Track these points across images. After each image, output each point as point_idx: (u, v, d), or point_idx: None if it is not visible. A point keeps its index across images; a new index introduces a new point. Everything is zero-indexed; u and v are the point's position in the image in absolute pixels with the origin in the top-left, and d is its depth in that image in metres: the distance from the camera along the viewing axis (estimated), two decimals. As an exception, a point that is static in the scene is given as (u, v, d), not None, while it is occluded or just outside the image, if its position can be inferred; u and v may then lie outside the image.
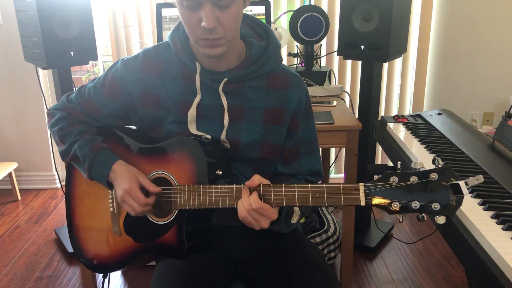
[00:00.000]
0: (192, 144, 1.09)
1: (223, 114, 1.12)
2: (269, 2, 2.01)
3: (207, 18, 0.96)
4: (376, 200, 0.89)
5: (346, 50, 2.12)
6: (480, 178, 0.82)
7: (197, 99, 1.12)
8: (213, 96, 1.12)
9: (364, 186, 0.90)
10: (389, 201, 0.88)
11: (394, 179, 0.87)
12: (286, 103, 1.14)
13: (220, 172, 1.09)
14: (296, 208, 1.11)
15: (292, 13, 2.27)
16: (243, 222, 1.01)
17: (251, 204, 0.97)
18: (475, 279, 0.95)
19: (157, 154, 1.15)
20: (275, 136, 1.16)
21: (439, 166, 0.86)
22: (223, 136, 1.13)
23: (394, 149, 1.54)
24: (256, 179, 0.99)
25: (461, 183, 0.83)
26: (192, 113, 1.12)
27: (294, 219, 1.11)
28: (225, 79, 1.10)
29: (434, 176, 0.84)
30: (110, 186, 1.15)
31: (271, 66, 1.13)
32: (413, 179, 0.86)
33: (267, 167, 1.20)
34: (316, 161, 1.23)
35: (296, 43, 2.45)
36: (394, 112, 3.01)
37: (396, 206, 0.87)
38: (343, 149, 2.86)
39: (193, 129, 1.13)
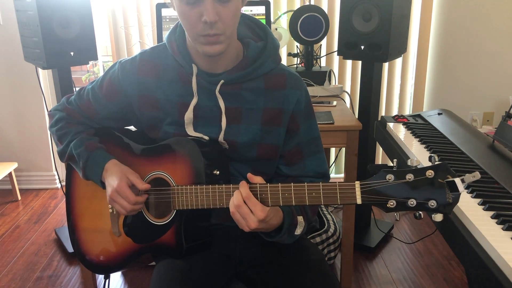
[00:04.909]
0: (189, 145, 1.09)
1: (221, 116, 1.12)
2: (269, 2, 2.01)
3: (208, 11, 0.95)
4: (373, 198, 0.88)
5: (346, 50, 2.12)
6: (476, 175, 0.82)
7: (194, 101, 1.11)
8: (210, 98, 1.12)
9: (360, 185, 0.90)
10: (386, 199, 0.87)
11: (390, 177, 0.87)
12: (285, 103, 1.13)
13: (218, 172, 1.08)
14: (300, 219, 1.08)
15: (292, 13, 2.27)
16: (233, 219, 0.99)
17: (242, 193, 0.95)
18: (475, 279, 0.95)
19: (154, 155, 1.14)
20: (274, 137, 1.15)
21: (436, 163, 0.85)
22: (221, 137, 1.12)
23: (394, 149, 1.54)
24: (258, 179, 0.98)
25: (457, 180, 0.83)
26: (188, 115, 1.12)
27: (298, 231, 1.08)
28: (222, 81, 1.10)
29: (430, 173, 0.84)
30: (104, 186, 1.15)
31: (269, 67, 1.12)
32: (409, 176, 0.85)
33: (266, 167, 1.19)
34: (321, 161, 1.21)
35: (296, 43, 2.45)
36: (394, 112, 3.00)
37: (392, 204, 0.87)
38: (343, 149, 2.85)
39: (190, 131, 1.12)
